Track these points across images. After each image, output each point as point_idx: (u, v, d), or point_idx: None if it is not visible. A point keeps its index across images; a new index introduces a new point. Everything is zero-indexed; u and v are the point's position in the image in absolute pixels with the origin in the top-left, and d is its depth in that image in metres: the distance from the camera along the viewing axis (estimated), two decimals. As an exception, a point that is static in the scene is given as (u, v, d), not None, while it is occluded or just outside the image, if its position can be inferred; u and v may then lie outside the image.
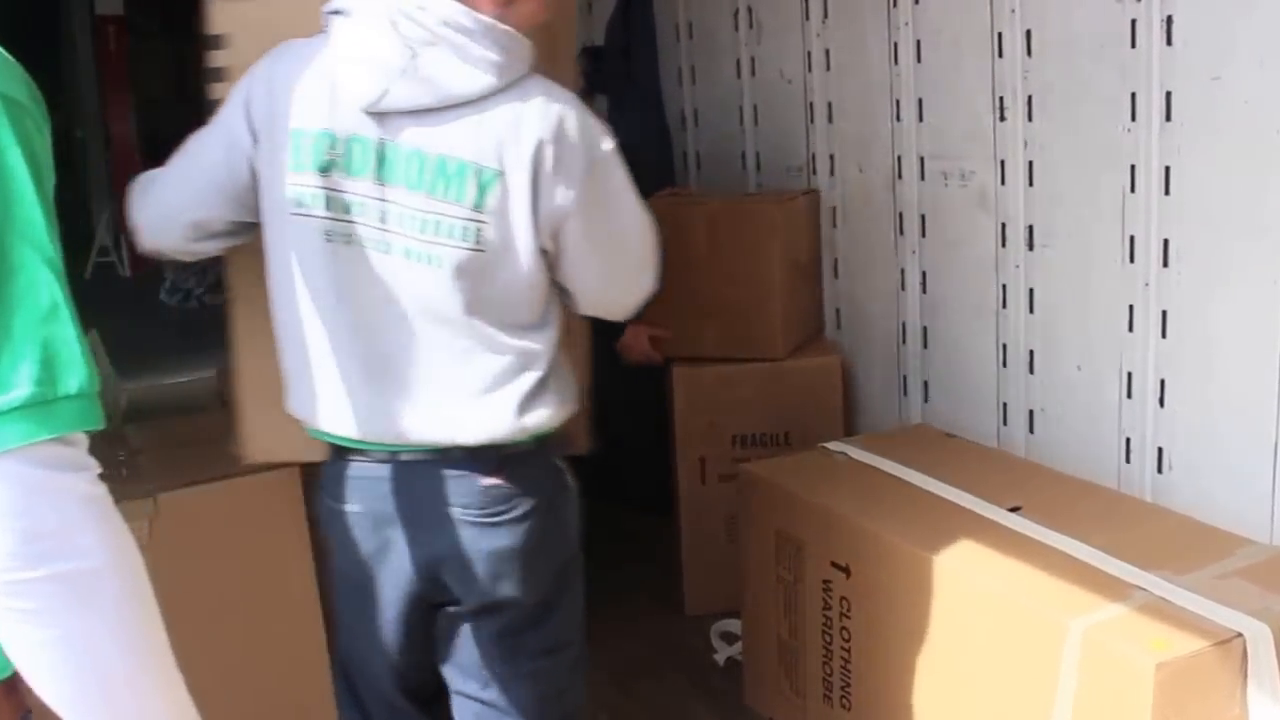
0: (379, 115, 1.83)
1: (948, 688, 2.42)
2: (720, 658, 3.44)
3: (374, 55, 1.81)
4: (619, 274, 2.06)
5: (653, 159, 4.33)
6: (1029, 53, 2.79)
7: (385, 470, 1.95)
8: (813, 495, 2.82)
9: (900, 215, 3.39)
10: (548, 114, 1.85)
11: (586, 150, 1.89)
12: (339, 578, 2.10)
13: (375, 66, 1.81)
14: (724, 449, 3.64)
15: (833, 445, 3.12)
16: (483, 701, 2.07)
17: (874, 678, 2.65)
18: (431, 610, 2.04)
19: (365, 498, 1.98)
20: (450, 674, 2.09)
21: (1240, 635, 2.04)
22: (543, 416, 1.95)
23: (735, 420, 3.64)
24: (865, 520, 2.62)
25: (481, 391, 1.91)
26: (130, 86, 9.84)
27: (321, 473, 2.06)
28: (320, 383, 1.94)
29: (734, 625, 3.35)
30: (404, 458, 1.94)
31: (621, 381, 3.99)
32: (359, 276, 1.88)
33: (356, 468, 1.98)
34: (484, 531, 1.95)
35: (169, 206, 2.00)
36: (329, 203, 1.86)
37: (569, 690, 2.15)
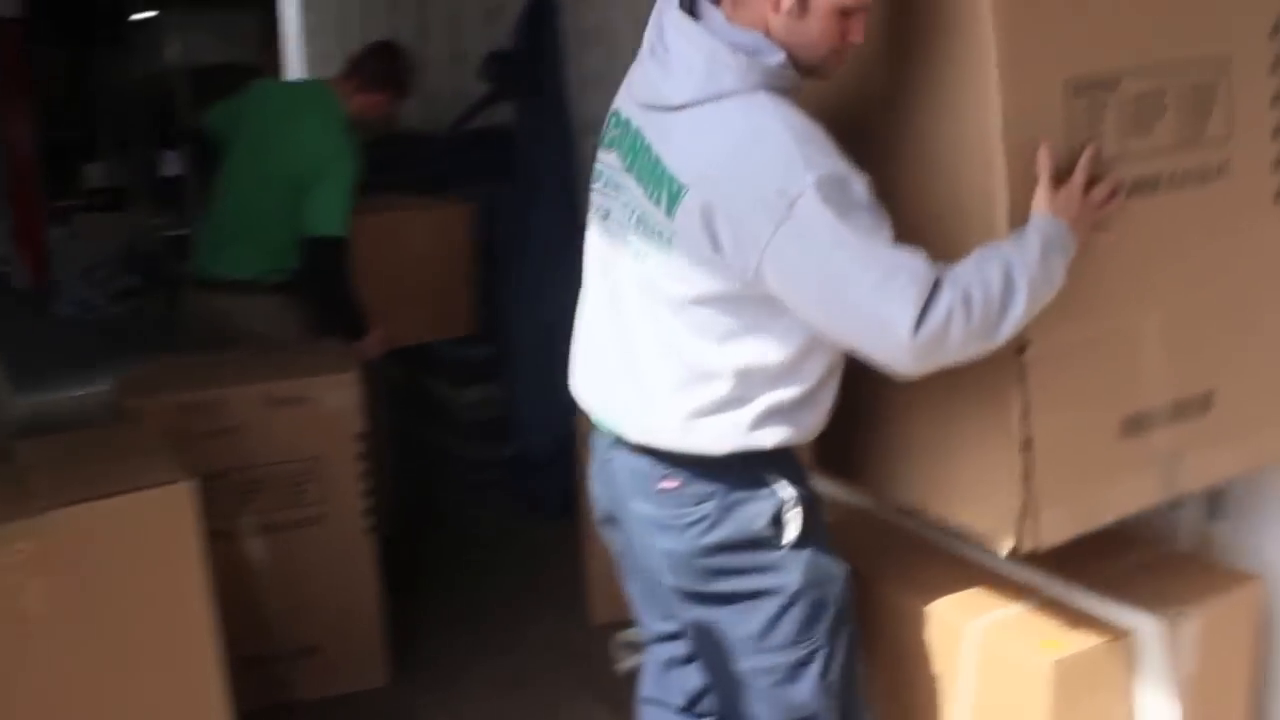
0: (643, 106, 1.93)
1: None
2: (622, 667, 3.43)
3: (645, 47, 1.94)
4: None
5: (556, 163, 4.32)
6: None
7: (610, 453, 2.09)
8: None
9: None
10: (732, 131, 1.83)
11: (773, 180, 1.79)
12: None
13: (643, 59, 1.94)
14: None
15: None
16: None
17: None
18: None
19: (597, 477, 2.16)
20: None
21: (1132, 632, 2.08)
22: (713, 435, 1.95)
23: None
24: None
25: (670, 391, 1.95)
26: (30, 91, 9.66)
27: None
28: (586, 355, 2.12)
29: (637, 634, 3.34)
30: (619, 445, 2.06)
31: (536, 387, 3.99)
32: (613, 252, 2.00)
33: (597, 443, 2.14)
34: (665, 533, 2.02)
35: None
36: (606, 180, 2.01)
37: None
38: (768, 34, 1.84)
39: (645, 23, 1.96)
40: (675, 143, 1.86)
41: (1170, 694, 2.12)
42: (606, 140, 2.02)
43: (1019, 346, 1.86)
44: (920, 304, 1.73)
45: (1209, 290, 2.07)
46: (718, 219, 1.79)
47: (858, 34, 1.85)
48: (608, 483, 2.13)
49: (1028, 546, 1.95)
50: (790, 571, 2.00)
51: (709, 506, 1.97)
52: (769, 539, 1.99)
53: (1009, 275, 1.76)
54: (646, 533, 2.05)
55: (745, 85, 1.81)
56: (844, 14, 1.83)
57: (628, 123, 1.96)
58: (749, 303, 1.86)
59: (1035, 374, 1.88)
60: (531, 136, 4.43)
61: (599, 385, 2.09)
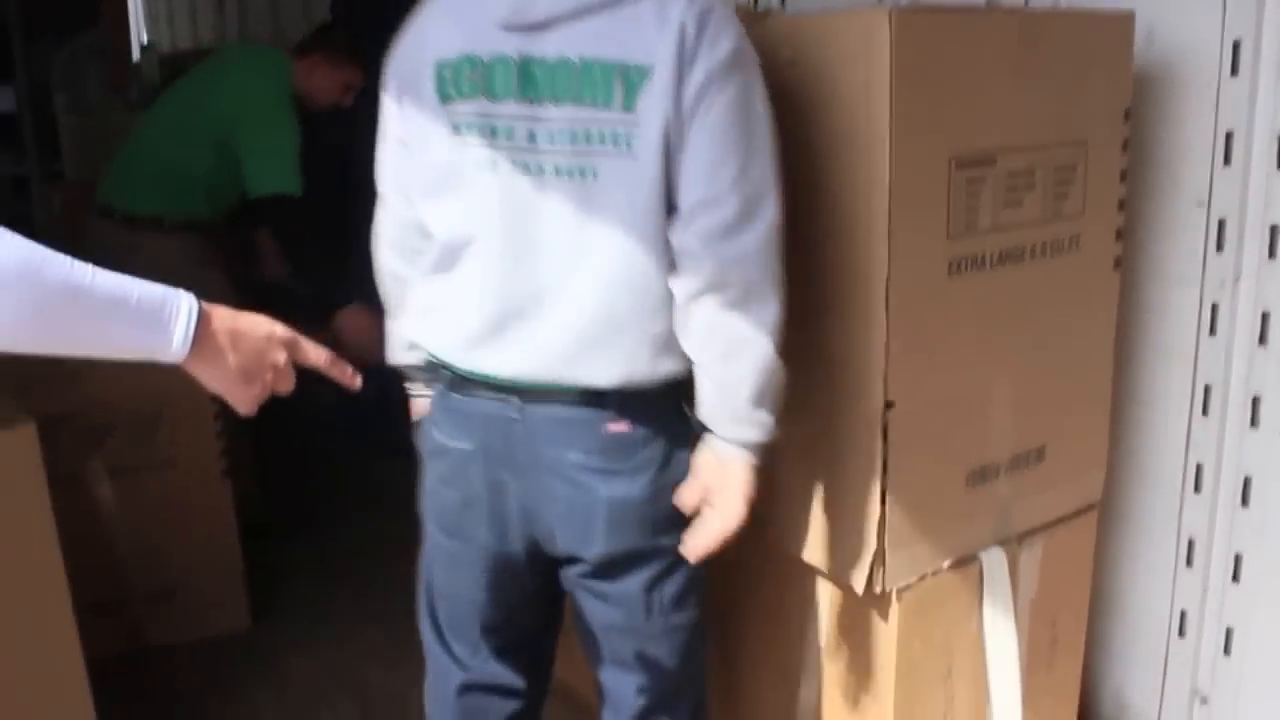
0: (519, 30, 1.76)
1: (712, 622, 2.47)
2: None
3: None
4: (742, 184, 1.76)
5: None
6: None
7: (506, 408, 1.87)
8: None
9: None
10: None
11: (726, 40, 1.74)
12: (438, 515, 2.04)
13: None
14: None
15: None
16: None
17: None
18: (539, 565, 1.99)
19: (480, 435, 1.91)
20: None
21: (977, 558, 2.16)
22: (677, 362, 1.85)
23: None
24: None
25: (622, 328, 1.82)
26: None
27: (433, 405, 1.99)
28: (462, 311, 1.87)
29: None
30: (529, 395, 1.86)
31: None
32: (508, 201, 1.80)
33: (476, 403, 1.90)
34: (605, 480, 1.87)
35: None
36: (478, 129, 1.80)
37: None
38: None
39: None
40: (607, 37, 1.75)
41: (1013, 618, 2.20)
42: (454, 92, 1.84)
43: (885, 404, 1.94)
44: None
45: (1050, 352, 2.19)
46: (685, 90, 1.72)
47: None
48: (507, 445, 1.90)
49: (876, 589, 2.04)
50: None
51: (658, 446, 1.88)
52: None
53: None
54: (580, 486, 1.87)
55: None
56: None
57: (493, 62, 1.80)
58: None
59: (896, 430, 1.96)
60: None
61: (510, 344, 1.85)
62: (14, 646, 2.30)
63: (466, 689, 2.13)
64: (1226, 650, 2.51)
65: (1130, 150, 2.23)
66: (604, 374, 1.82)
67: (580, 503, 1.88)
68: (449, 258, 1.88)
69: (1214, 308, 2.36)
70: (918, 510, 2.03)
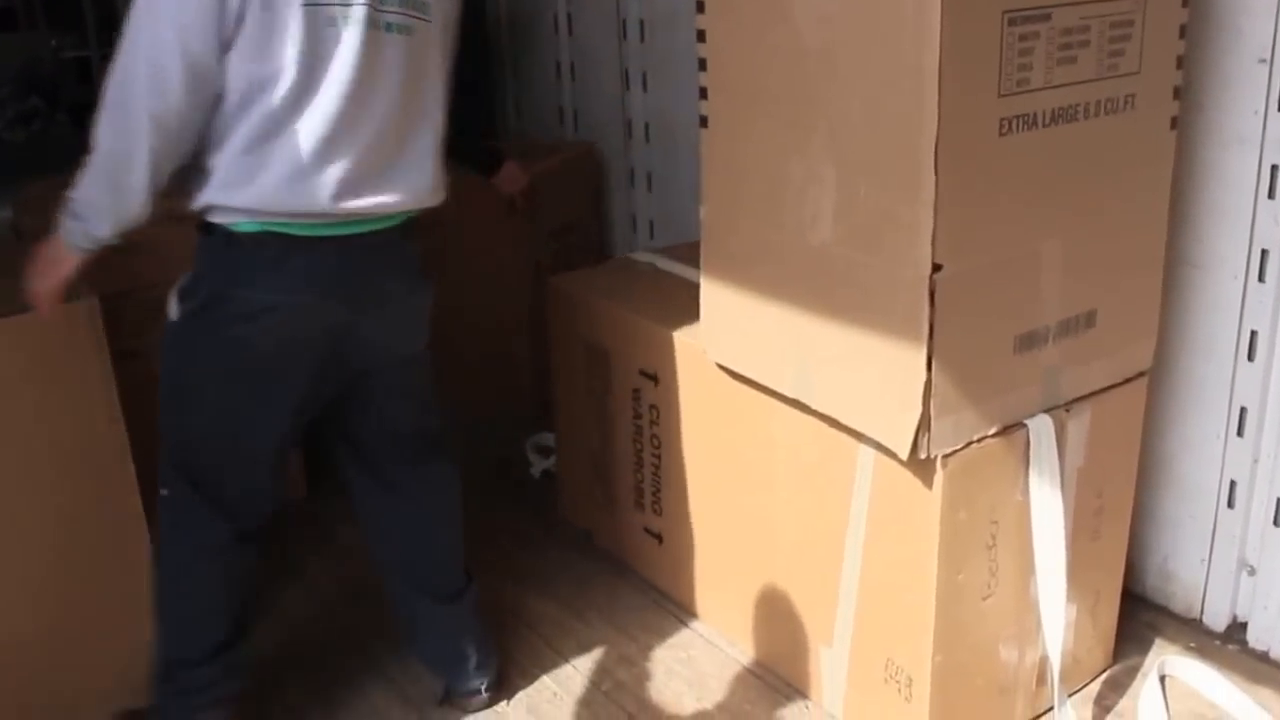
0: None
1: (753, 489, 2.48)
2: (536, 470, 3.48)
3: None
4: None
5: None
6: None
7: (345, 254, 2.06)
8: (619, 305, 2.83)
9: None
10: None
11: None
12: (240, 371, 2.10)
13: None
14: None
15: (639, 255, 3.13)
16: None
17: (683, 483, 2.71)
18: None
19: (319, 284, 2.06)
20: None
21: (1024, 425, 2.14)
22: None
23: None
24: (672, 328, 2.63)
25: (430, 158, 2.12)
26: None
27: (255, 266, 2.03)
28: (307, 164, 1.97)
29: (549, 439, 3.38)
30: (367, 237, 2.07)
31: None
32: (356, 55, 1.96)
33: (314, 259, 2.04)
34: (417, 292, 2.23)
35: None
36: None
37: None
38: None
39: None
40: None
41: (1059, 486, 2.19)
42: None
43: (933, 266, 1.90)
44: None
45: (1102, 215, 2.14)
46: None
47: None
48: (360, 274, 2.10)
49: (921, 455, 2.03)
50: None
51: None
52: None
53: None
54: (402, 300, 2.20)
55: None
56: None
57: None
58: None
59: (944, 294, 1.93)
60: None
61: (355, 180, 2.01)
62: (81, 516, 2.33)
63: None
64: (1276, 521, 2.50)
65: (1191, 4, 2.15)
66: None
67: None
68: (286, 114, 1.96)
69: (1274, 169, 2.31)
70: (964, 376, 2.01)
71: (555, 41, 4.22)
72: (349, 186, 1.99)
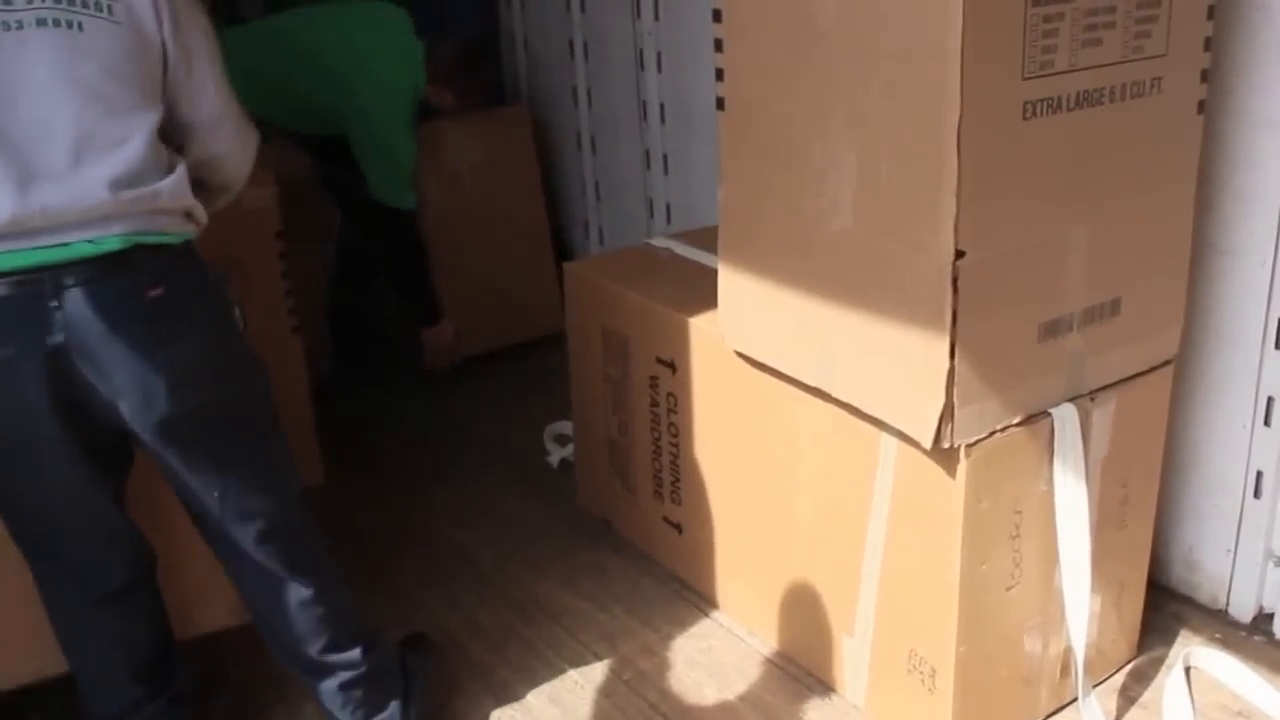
0: None
1: (773, 478, 2.47)
2: (554, 459, 3.46)
3: None
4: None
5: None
6: None
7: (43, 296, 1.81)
8: (637, 291, 2.80)
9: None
10: None
11: None
12: None
13: None
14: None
15: (657, 241, 3.11)
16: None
17: (702, 473, 2.69)
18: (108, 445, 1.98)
19: (23, 332, 1.82)
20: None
21: (1048, 414, 2.11)
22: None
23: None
24: (690, 314, 2.61)
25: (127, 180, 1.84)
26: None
27: None
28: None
29: (567, 427, 3.37)
30: (63, 276, 1.80)
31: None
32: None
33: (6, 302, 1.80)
34: (159, 346, 1.89)
35: None
36: None
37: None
38: None
39: None
40: None
41: (1084, 476, 2.16)
42: None
43: (956, 253, 1.87)
44: None
45: (1127, 201, 2.11)
46: None
47: None
48: (68, 329, 1.83)
49: (945, 444, 2.00)
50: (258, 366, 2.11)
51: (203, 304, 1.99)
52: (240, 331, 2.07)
53: None
54: (135, 360, 1.87)
55: None
56: None
57: None
58: None
59: (967, 281, 1.90)
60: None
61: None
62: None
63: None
64: (1303, 511, 2.47)
65: (1220, -15, 2.12)
66: None
67: None
68: None
69: (1303, 153, 2.27)
70: (988, 364, 1.99)
71: (568, 20, 4.19)
72: None
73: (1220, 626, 2.61)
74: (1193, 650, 2.49)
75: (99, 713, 2.18)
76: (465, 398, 3.91)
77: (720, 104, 2.27)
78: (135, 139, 1.85)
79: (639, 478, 2.92)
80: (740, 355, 2.42)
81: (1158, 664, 2.50)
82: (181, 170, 1.93)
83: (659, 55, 3.79)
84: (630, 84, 3.97)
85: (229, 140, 2.10)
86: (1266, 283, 2.38)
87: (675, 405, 2.71)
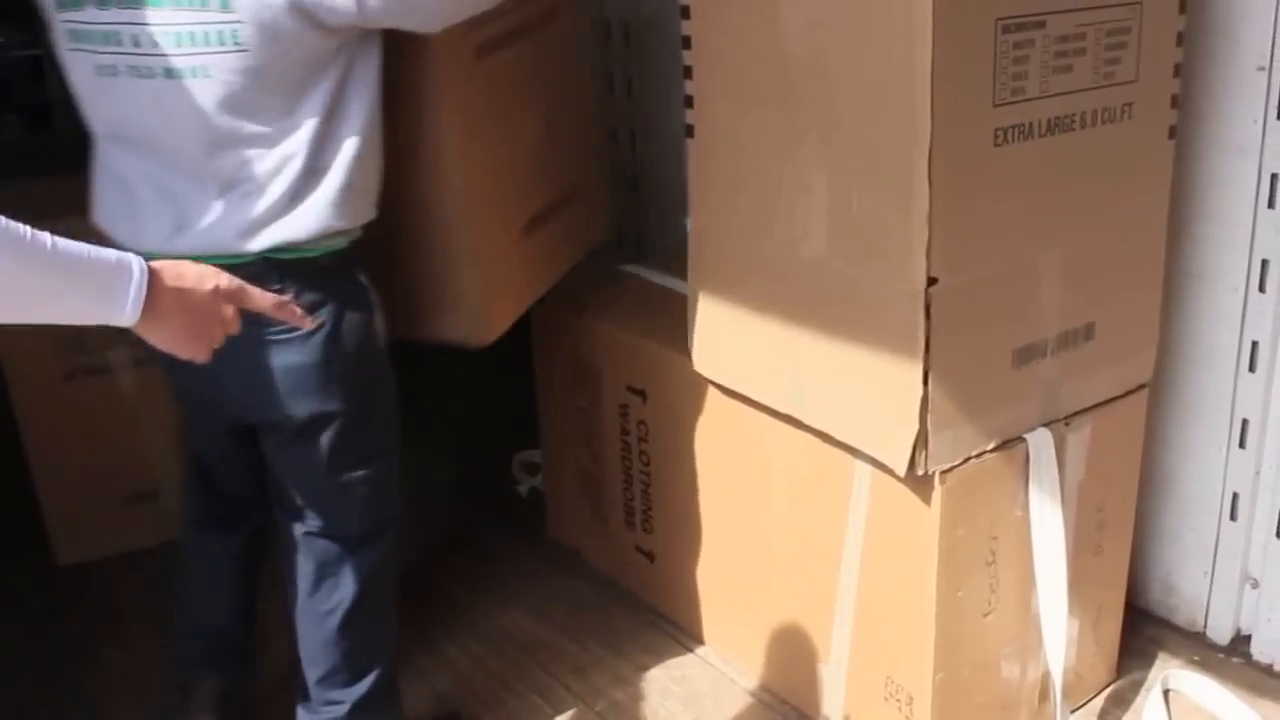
0: None
1: (746, 506, 2.45)
2: (523, 489, 3.43)
3: None
4: None
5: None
6: None
7: None
8: (606, 319, 2.78)
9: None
10: None
11: None
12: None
13: None
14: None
15: (626, 267, 3.09)
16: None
17: (674, 501, 2.66)
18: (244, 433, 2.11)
19: None
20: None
21: (1023, 440, 2.10)
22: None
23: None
24: (660, 343, 2.58)
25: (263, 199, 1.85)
26: None
27: None
28: (127, 207, 1.90)
29: (536, 456, 3.34)
30: None
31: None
32: (131, 106, 1.82)
33: None
34: (275, 349, 1.91)
35: None
36: (90, 36, 1.80)
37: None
38: None
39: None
40: None
41: (1060, 501, 2.15)
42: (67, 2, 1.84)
43: (928, 280, 1.87)
44: None
45: (1100, 226, 2.11)
46: None
47: None
48: None
49: (919, 471, 1.99)
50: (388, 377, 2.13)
51: (325, 311, 1.95)
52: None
53: None
54: (251, 359, 1.91)
55: None
56: None
57: None
58: None
59: (939, 308, 1.89)
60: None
61: (166, 227, 1.88)
62: None
63: None
64: (1279, 534, 2.46)
65: (1188, 11, 2.12)
66: None
67: None
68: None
69: (1273, 179, 2.27)
70: (961, 390, 1.97)
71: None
72: None
73: (1198, 649, 2.60)
74: (1171, 673, 2.48)
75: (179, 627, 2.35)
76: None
77: (690, 131, 2.26)
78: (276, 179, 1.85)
79: (610, 507, 2.89)
80: (712, 383, 2.40)
81: (1136, 687, 2.49)
82: (328, 192, 1.89)
83: (629, 80, 3.78)
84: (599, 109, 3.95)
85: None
86: (1239, 307, 2.38)
87: (646, 434, 2.68)
